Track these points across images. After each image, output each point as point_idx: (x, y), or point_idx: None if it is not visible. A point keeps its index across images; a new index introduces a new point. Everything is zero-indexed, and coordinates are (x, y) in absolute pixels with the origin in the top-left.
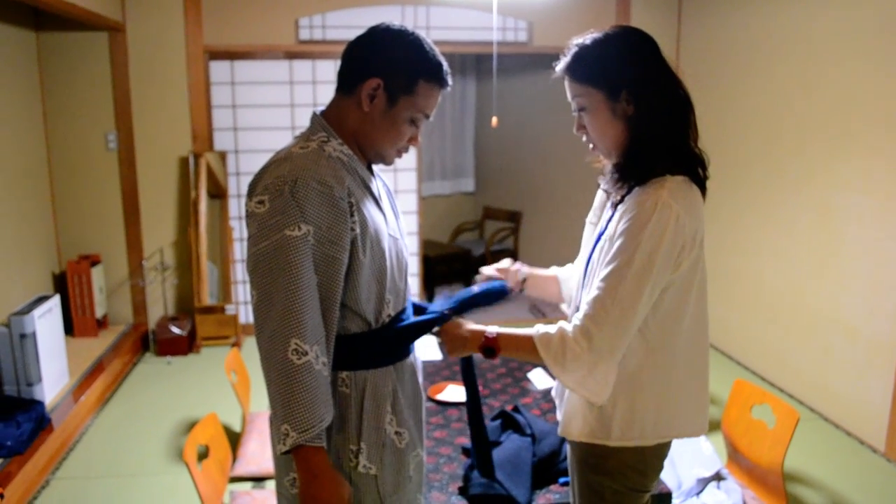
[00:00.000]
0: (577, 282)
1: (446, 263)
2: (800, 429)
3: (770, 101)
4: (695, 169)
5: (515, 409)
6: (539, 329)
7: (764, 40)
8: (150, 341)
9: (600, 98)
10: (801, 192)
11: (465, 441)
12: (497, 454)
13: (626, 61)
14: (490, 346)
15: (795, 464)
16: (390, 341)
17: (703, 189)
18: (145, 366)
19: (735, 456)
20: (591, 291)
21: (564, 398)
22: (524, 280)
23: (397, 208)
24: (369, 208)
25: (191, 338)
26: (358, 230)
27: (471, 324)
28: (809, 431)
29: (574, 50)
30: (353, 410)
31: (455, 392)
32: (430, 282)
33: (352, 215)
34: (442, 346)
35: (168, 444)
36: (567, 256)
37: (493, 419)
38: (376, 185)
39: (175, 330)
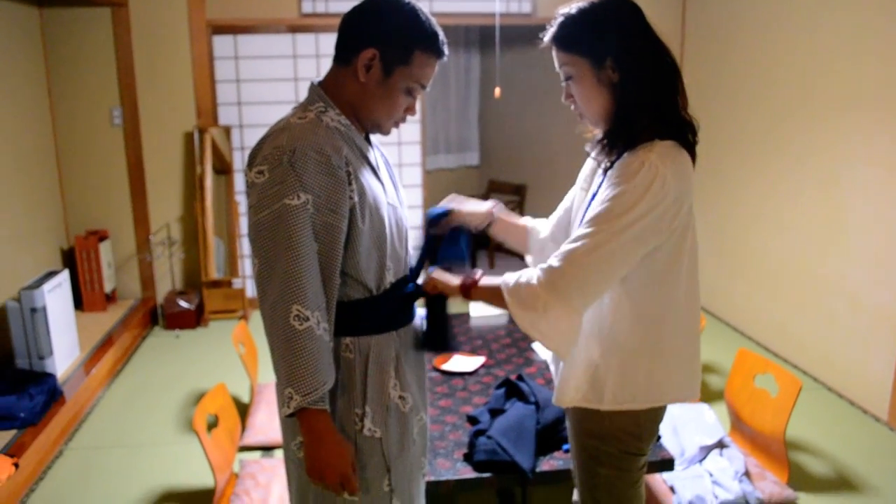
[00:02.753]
0: (556, 245)
1: None
2: (803, 398)
3: (776, 75)
4: (684, 134)
5: (520, 377)
6: (508, 275)
7: (770, 16)
8: (159, 315)
9: (586, 66)
10: (807, 164)
11: (470, 409)
12: (501, 421)
13: (610, 29)
14: (467, 284)
15: (798, 433)
16: (392, 307)
17: (692, 154)
18: (154, 339)
19: (738, 424)
20: (570, 237)
21: (559, 367)
22: (490, 224)
23: (396, 178)
24: (367, 177)
25: (198, 311)
26: (356, 198)
27: (452, 277)
28: (813, 401)
29: (560, 20)
30: (357, 375)
31: (460, 362)
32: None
33: (350, 184)
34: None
35: (178, 414)
36: None
37: (498, 388)
38: (374, 155)
39: (183, 304)
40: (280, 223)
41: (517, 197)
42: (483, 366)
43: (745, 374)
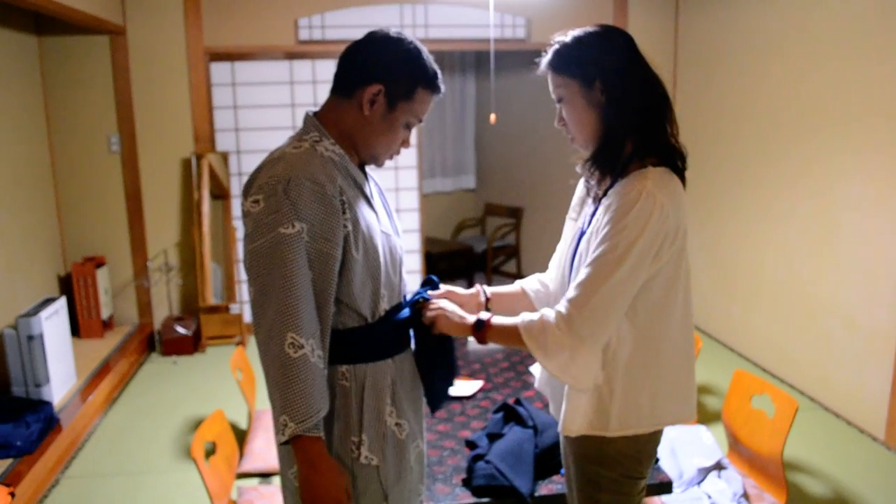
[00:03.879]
0: (559, 279)
1: (448, 260)
2: (800, 418)
3: (768, 92)
4: (674, 160)
5: (517, 401)
6: (524, 317)
7: (761, 34)
8: (156, 341)
9: (576, 87)
10: (800, 183)
11: (469, 434)
12: (500, 446)
13: (601, 52)
14: (481, 323)
15: (796, 453)
16: (387, 335)
17: (683, 180)
18: (151, 366)
19: (735, 445)
20: (576, 278)
21: (559, 395)
22: (487, 300)
23: (390, 207)
24: (361, 206)
25: (196, 337)
26: (350, 227)
27: (464, 313)
28: (809, 421)
29: (555, 46)
30: (353, 403)
31: (458, 386)
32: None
33: (344, 213)
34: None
35: (175, 442)
36: None
37: (496, 412)
38: (368, 185)
39: (180, 330)
40: (275, 251)
41: (513, 219)
42: (481, 390)
43: (742, 395)
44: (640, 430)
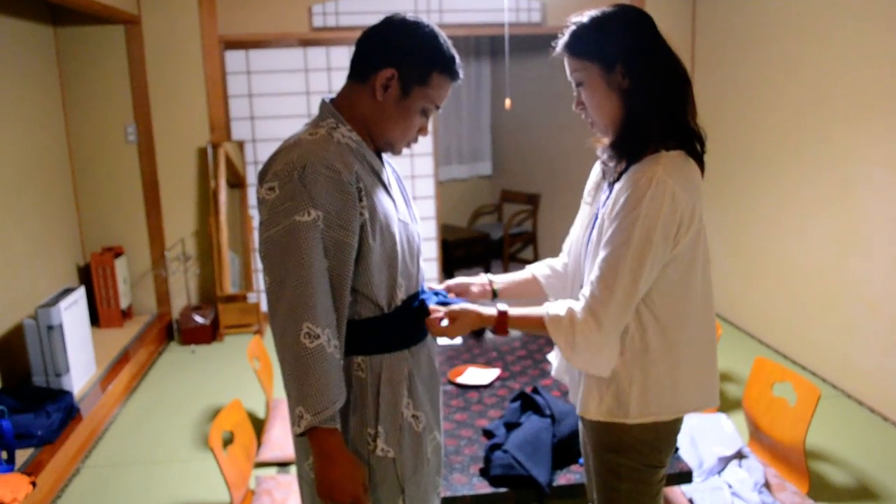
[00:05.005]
0: (575, 262)
1: (465, 247)
2: (822, 406)
3: (791, 78)
4: (692, 144)
5: (535, 390)
6: (549, 309)
7: (784, 17)
8: (175, 331)
9: (596, 71)
10: (823, 169)
11: (486, 423)
12: (517, 435)
13: (621, 35)
14: (502, 322)
15: (818, 441)
16: (404, 325)
17: (700, 164)
18: (170, 355)
19: (756, 434)
20: (594, 272)
21: (578, 379)
22: (494, 291)
23: (408, 194)
24: (378, 194)
25: (214, 326)
26: (367, 215)
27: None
28: (832, 409)
29: (571, 28)
30: (369, 395)
31: (475, 375)
32: (449, 266)
33: (360, 200)
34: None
35: (194, 431)
36: None
37: (513, 401)
38: (385, 172)
39: (198, 319)
40: (290, 240)
41: (530, 206)
42: (498, 378)
43: (763, 383)
44: (661, 416)
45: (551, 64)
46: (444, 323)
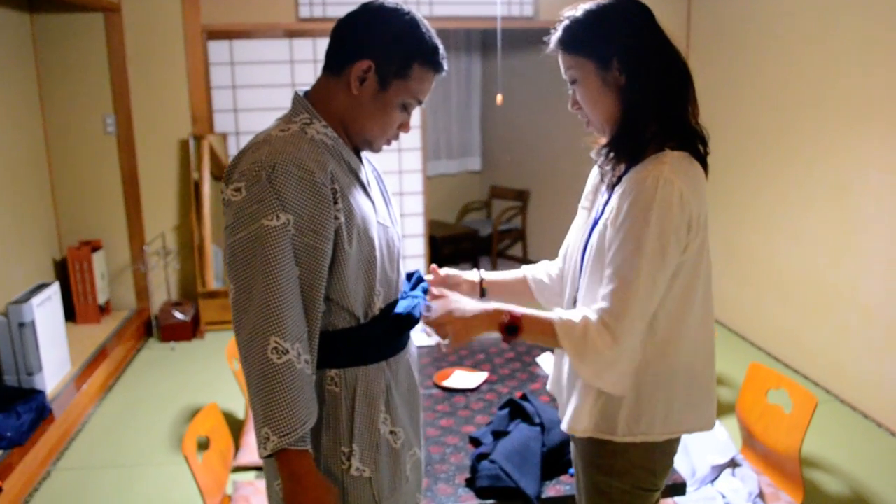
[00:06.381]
0: (571, 269)
1: (453, 244)
2: (816, 411)
3: (785, 76)
4: (694, 144)
5: (524, 396)
6: (561, 315)
7: (780, 18)
8: (154, 327)
9: (591, 68)
10: (818, 171)
11: (473, 429)
12: (505, 444)
13: (616, 28)
14: (514, 325)
15: (811, 447)
16: (382, 336)
17: (704, 166)
18: (149, 352)
19: (750, 441)
20: (605, 284)
21: (567, 393)
22: (482, 286)
23: (388, 195)
24: (355, 195)
25: (195, 323)
26: (342, 219)
27: (476, 303)
28: (826, 414)
29: (564, 23)
30: (343, 411)
31: (462, 378)
32: (437, 263)
33: (335, 202)
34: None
35: (171, 432)
36: None
37: (501, 408)
38: (364, 171)
39: (178, 315)
40: (257, 246)
41: (520, 202)
42: (486, 382)
43: (758, 390)
44: (651, 437)
45: (543, 59)
46: (441, 339)
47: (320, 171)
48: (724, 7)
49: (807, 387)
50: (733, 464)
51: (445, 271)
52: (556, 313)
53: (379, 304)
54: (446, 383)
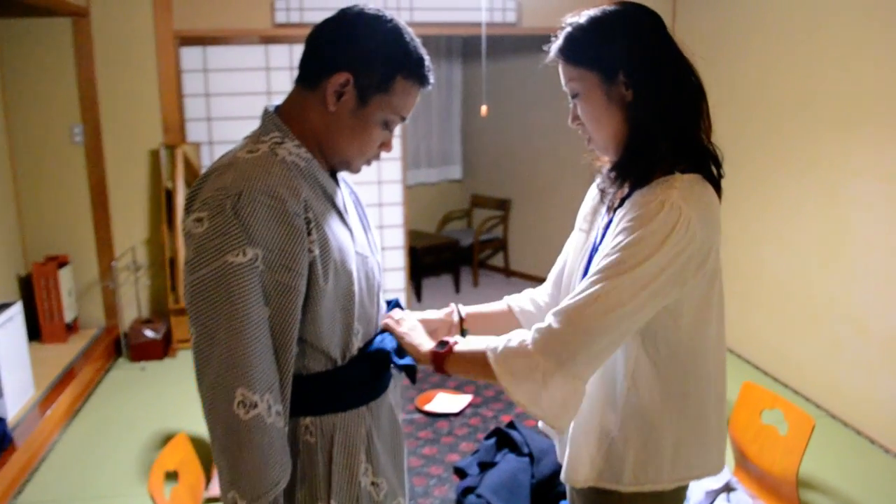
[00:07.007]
0: (565, 296)
1: (434, 254)
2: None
3: (774, 81)
4: (707, 166)
5: (511, 423)
6: (496, 340)
7: (768, 18)
8: (123, 346)
9: (595, 81)
10: (807, 178)
11: (457, 458)
12: (492, 477)
13: (623, 38)
14: (440, 365)
15: (803, 465)
16: (361, 378)
17: (717, 189)
18: (118, 372)
19: (744, 463)
20: (571, 297)
21: (568, 439)
22: (462, 321)
23: (367, 219)
24: (331, 224)
25: (166, 341)
26: (317, 251)
27: (421, 335)
28: (817, 430)
29: (567, 29)
30: (320, 463)
31: (445, 401)
32: (417, 274)
33: (309, 234)
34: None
35: (141, 460)
36: (557, 245)
37: (487, 437)
38: (341, 195)
39: (149, 333)
40: (221, 285)
41: (501, 212)
42: (470, 405)
43: (752, 410)
44: (659, 485)
45: (525, 66)
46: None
47: (293, 199)
48: (709, 9)
49: (796, 402)
50: (728, 488)
51: (416, 317)
52: (490, 339)
53: (358, 343)
54: (429, 407)
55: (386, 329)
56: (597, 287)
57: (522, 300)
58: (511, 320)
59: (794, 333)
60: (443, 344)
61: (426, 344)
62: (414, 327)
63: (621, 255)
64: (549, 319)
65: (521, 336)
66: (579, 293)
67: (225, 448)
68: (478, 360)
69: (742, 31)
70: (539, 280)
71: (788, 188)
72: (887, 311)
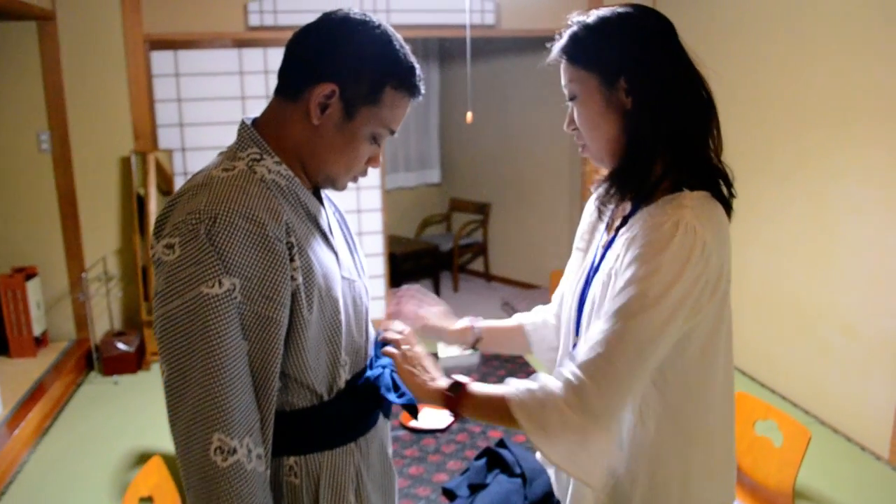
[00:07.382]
0: (566, 325)
1: (413, 260)
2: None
3: (758, 82)
4: (716, 184)
5: (501, 442)
6: (517, 386)
7: (751, 17)
8: (95, 359)
9: (594, 84)
10: (793, 181)
11: (446, 478)
12: (483, 499)
13: (627, 40)
14: (453, 408)
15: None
16: (349, 413)
17: (727, 208)
18: (90, 387)
19: (738, 476)
20: (591, 335)
21: (567, 477)
22: (478, 340)
23: (353, 240)
24: (315, 248)
25: (139, 354)
26: (300, 279)
27: (430, 370)
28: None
29: (572, 28)
30: None
31: (430, 417)
32: (397, 281)
33: (292, 260)
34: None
35: (115, 480)
36: (537, 248)
37: (477, 458)
38: (325, 215)
39: (121, 346)
40: (195, 319)
41: (481, 216)
42: (456, 421)
43: (745, 421)
44: None
45: (505, 69)
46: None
47: (273, 222)
48: (691, 7)
49: (785, 409)
50: None
51: (428, 319)
52: (511, 385)
53: (345, 376)
54: (413, 423)
55: (386, 355)
56: (620, 329)
57: (533, 318)
58: (520, 337)
59: (781, 338)
60: (456, 386)
61: (435, 381)
62: (421, 359)
63: (639, 288)
64: (577, 373)
65: (547, 386)
66: (604, 339)
67: (200, 498)
68: (498, 407)
69: (725, 29)
70: (520, 284)
71: (775, 191)
72: (877, 315)
